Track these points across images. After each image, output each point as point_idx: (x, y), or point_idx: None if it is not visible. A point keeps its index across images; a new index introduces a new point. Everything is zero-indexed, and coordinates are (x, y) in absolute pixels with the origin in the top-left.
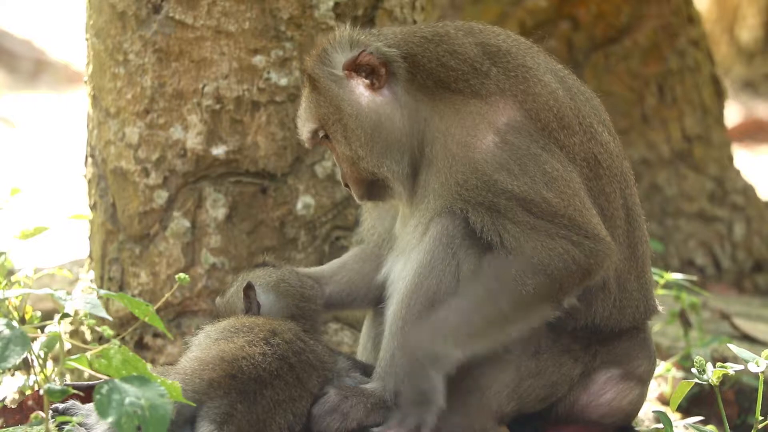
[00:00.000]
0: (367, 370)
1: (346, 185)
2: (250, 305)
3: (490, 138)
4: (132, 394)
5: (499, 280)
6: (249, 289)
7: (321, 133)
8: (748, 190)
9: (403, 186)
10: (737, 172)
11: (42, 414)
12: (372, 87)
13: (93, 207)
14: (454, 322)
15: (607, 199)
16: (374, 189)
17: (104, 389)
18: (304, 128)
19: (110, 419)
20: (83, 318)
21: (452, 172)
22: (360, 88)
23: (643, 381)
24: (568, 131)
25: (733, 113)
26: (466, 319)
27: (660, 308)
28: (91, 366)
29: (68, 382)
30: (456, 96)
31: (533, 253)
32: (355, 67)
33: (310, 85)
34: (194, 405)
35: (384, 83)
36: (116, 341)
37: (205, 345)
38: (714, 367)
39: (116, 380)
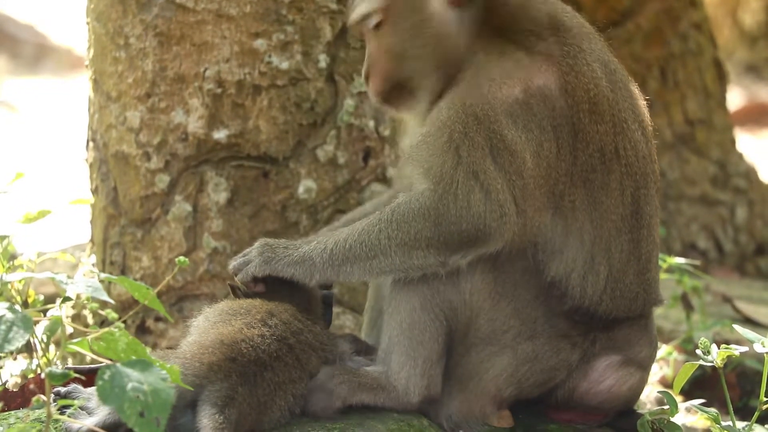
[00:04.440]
0: (369, 351)
1: (367, 79)
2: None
3: (516, 90)
4: (134, 379)
5: (401, 208)
6: (233, 288)
7: (374, 20)
8: (750, 174)
9: (425, 100)
10: (740, 156)
11: (44, 398)
12: (451, 2)
13: (94, 191)
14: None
15: (607, 193)
16: (395, 92)
17: (106, 375)
18: (361, 7)
19: (113, 405)
20: (85, 302)
21: (467, 95)
22: None
23: (644, 366)
24: (596, 117)
25: (735, 97)
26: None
27: (664, 301)
28: (92, 350)
29: (70, 365)
30: (508, 44)
31: (441, 199)
32: None
33: None
34: (194, 389)
35: (463, 3)
36: (120, 324)
37: (203, 328)
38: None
39: (118, 365)
